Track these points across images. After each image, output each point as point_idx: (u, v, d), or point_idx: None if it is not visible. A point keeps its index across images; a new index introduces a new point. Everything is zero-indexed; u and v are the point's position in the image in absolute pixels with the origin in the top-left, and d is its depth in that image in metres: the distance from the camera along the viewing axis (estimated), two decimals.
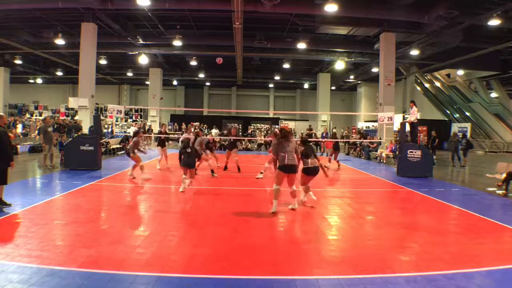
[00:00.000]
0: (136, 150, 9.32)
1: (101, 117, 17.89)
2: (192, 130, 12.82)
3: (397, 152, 12.92)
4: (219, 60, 11.68)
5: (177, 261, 3.96)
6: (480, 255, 4.35)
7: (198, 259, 4.03)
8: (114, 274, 3.57)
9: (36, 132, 16.50)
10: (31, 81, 32.99)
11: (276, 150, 6.23)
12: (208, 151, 11.01)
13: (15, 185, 7.58)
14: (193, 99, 36.83)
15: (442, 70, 26.88)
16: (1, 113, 6.57)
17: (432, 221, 6.00)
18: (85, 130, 14.99)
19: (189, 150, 8.06)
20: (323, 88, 27.63)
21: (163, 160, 11.66)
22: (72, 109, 25.09)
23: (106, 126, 21.06)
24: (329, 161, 12.89)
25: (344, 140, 22.56)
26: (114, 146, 16.27)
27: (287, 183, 6.33)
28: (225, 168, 11.40)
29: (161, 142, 11.94)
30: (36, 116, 28.73)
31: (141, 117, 30.97)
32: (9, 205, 5.89)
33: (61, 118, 25.52)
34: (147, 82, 28.78)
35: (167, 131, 13.29)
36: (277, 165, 6.35)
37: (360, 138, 19.66)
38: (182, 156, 8.15)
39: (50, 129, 11.59)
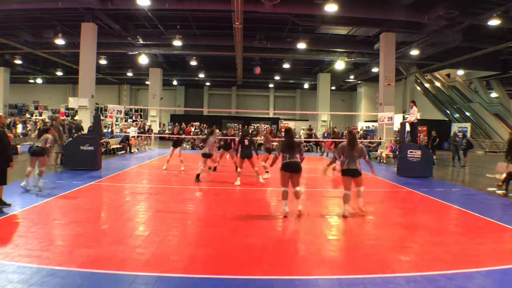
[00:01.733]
0: (50, 150, 7.76)
1: (101, 117, 17.87)
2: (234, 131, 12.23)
3: (397, 152, 12.91)
4: (257, 70, 11.76)
5: (177, 261, 3.96)
6: (480, 255, 4.35)
7: (198, 259, 4.03)
8: (114, 274, 3.57)
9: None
10: (31, 81, 33.02)
11: (341, 153, 6.16)
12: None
13: (15, 185, 7.57)
14: (193, 99, 36.84)
15: (442, 70, 26.88)
16: (0, 113, 6.56)
17: (432, 221, 6.00)
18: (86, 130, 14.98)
19: (246, 142, 9.14)
20: (323, 88, 27.64)
21: (172, 160, 11.46)
22: (72, 109, 25.10)
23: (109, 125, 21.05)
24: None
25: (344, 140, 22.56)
26: (114, 146, 16.28)
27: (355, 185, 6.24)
28: (215, 169, 10.98)
29: (175, 143, 11.55)
30: (36, 116, 28.74)
31: (141, 117, 30.99)
32: (9, 205, 5.89)
33: (61, 118, 25.51)
34: (147, 82, 28.81)
35: (179, 132, 12.72)
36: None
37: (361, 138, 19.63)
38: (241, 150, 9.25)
39: (60, 128, 11.68)
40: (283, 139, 6.26)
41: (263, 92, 36.64)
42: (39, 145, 7.57)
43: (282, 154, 5.95)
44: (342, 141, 8.49)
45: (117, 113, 12.28)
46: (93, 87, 16.45)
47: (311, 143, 21.80)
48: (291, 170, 5.85)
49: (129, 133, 17.08)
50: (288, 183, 5.92)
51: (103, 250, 4.18)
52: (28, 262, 3.72)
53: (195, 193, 7.97)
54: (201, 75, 28.74)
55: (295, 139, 6.17)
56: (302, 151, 6.14)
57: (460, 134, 16.37)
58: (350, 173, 6.04)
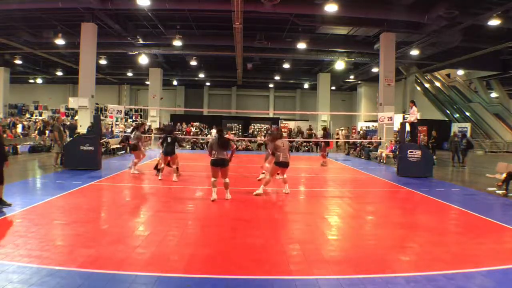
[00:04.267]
0: None
1: (101, 117, 17.87)
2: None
3: (397, 152, 12.91)
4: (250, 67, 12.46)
5: (177, 261, 3.96)
6: (480, 255, 4.35)
7: (198, 259, 4.03)
8: (114, 274, 3.56)
9: (47, 131, 16.55)
10: (31, 81, 32.99)
11: None
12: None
13: (15, 185, 7.57)
14: (193, 99, 36.81)
15: (442, 70, 26.89)
16: None
17: (432, 221, 6.00)
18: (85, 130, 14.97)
19: (169, 139, 9.38)
20: (323, 88, 27.61)
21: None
22: (72, 109, 25.09)
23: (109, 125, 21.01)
24: (324, 157, 13.82)
25: (345, 140, 22.57)
26: (114, 146, 16.28)
27: None
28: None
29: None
30: (36, 116, 28.74)
31: (141, 117, 30.99)
32: (9, 205, 5.89)
33: (61, 118, 25.51)
34: (147, 82, 28.78)
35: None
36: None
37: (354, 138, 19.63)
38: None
39: (61, 128, 11.73)
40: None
41: (263, 92, 36.63)
42: (133, 142, 10.08)
43: (212, 152, 6.94)
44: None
45: (117, 113, 12.29)
46: (93, 87, 16.44)
47: (311, 143, 21.78)
48: (219, 165, 6.97)
49: (128, 133, 17.08)
50: (218, 175, 7.03)
51: (103, 250, 4.18)
52: (28, 262, 3.72)
53: (195, 193, 7.96)
54: (201, 75, 28.73)
55: (226, 139, 7.16)
56: (230, 149, 7.20)
57: (460, 134, 16.38)
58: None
